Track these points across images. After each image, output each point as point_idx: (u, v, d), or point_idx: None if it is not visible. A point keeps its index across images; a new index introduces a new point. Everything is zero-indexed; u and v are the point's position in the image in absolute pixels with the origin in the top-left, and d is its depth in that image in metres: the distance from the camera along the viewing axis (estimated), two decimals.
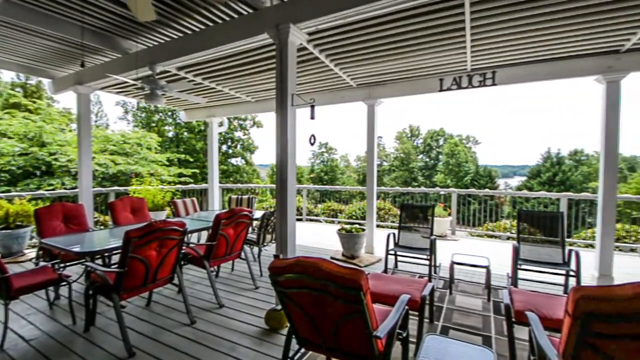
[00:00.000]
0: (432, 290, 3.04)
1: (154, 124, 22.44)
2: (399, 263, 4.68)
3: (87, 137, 5.32)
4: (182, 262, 3.64)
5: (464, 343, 1.94)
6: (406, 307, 2.03)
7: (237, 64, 4.46)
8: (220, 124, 7.51)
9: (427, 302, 2.95)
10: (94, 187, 5.76)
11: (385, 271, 4.28)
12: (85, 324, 2.86)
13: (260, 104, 6.60)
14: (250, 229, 4.69)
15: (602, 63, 3.86)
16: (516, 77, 4.31)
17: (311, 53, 3.98)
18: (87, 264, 2.82)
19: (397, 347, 2.27)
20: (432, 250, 4.03)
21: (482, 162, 34.70)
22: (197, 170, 18.88)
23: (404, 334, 2.06)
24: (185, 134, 21.98)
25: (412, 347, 2.44)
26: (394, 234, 4.54)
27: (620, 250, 5.71)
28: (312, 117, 2.82)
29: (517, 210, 4.29)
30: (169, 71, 4.71)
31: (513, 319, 2.31)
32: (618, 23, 3.12)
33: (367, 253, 5.37)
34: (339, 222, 8.19)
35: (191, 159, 19.09)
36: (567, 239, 4.27)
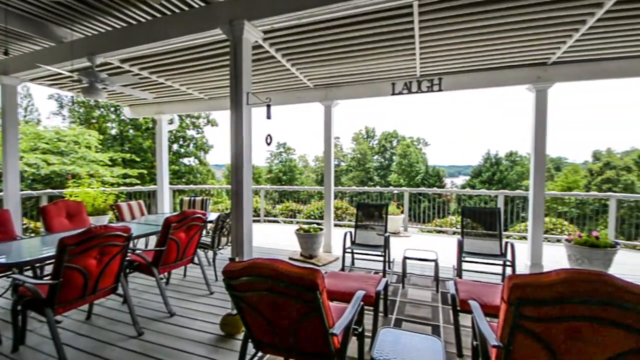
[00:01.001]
0: (386, 285, 3.16)
1: (94, 120, 20.50)
2: (355, 260, 4.80)
3: (14, 134, 4.71)
4: (128, 270, 3.38)
5: (415, 334, 2.05)
6: (361, 302, 2.09)
7: (189, 59, 4.25)
8: (170, 122, 7.10)
9: (382, 297, 3.06)
10: (22, 190, 5.11)
11: (343, 269, 4.37)
12: (13, 343, 2.53)
13: (214, 101, 6.36)
14: (204, 232, 4.50)
15: (532, 74, 4.31)
16: (460, 84, 4.66)
17: (267, 51, 3.93)
18: (15, 276, 2.49)
19: (353, 342, 2.33)
20: (386, 246, 4.20)
21: (432, 163, 36.84)
22: (144, 171, 17.65)
23: (360, 329, 2.12)
24: (131, 131, 20.40)
25: (367, 341, 2.51)
26: (350, 232, 4.65)
27: (548, 241, 6.44)
28: (269, 117, 2.78)
29: (461, 207, 4.64)
30: (110, 63, 4.34)
31: (458, 308, 2.49)
32: (545, 38, 3.52)
33: (325, 252, 5.44)
34: (297, 223, 8.19)
35: (138, 159, 17.79)
36: (504, 232, 4.71)
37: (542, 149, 4.39)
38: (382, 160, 39.08)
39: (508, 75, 4.44)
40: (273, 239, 6.54)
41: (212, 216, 4.60)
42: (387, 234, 4.36)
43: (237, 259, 2.92)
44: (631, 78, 4.11)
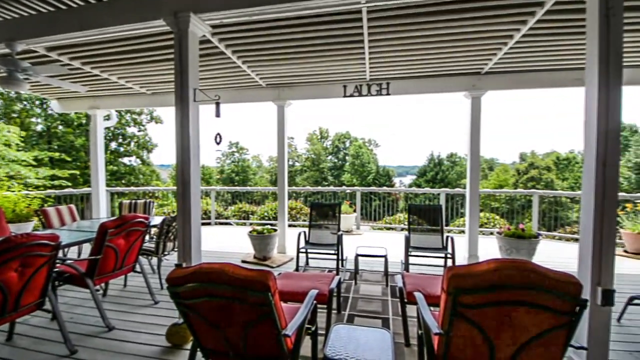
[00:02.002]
0: (339, 283, 3.23)
1: (15, 115, 17.92)
2: (310, 260, 4.83)
3: None
4: (57, 283, 3.02)
5: (366, 328, 2.13)
6: (315, 301, 2.11)
7: (128, 50, 3.93)
8: (107, 118, 6.49)
9: (335, 294, 3.13)
10: None
11: (297, 269, 4.37)
12: None
13: (158, 97, 5.95)
14: (147, 238, 4.20)
15: (468, 82, 4.72)
16: (406, 89, 4.94)
17: (216, 47, 3.78)
18: None
19: (307, 341, 2.35)
20: (339, 245, 4.29)
21: (382, 163, 38.49)
22: (76, 172, 15.90)
23: (313, 328, 2.14)
24: (60, 127, 18.22)
25: (321, 339, 2.54)
26: (305, 232, 4.67)
27: (483, 234, 7.09)
28: (218, 115, 2.68)
29: (408, 204, 4.92)
30: (35, 51, 3.84)
31: (405, 300, 2.64)
32: (480, 50, 3.87)
33: (279, 253, 5.39)
34: (250, 224, 8.00)
35: (69, 158, 15.94)
36: (445, 227, 5.08)
37: (476, 151, 4.83)
38: (336, 160, 39.84)
39: (448, 83, 4.81)
40: (225, 242, 6.32)
41: (157, 220, 4.31)
42: (340, 233, 4.46)
43: (184, 265, 2.77)
44: (550, 88, 4.70)
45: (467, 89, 4.73)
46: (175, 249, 4.20)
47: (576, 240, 5.96)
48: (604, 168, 2.11)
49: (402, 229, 7.60)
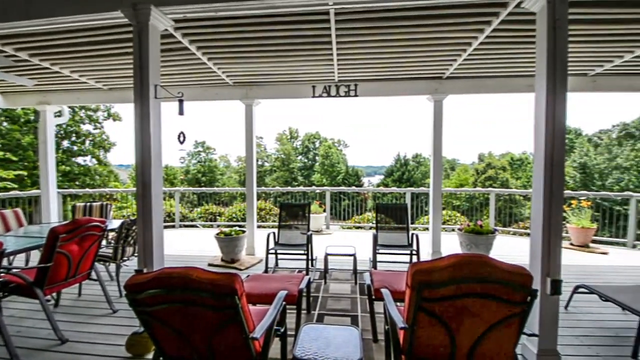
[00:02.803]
0: (309, 283, 3.24)
1: None
2: (279, 261, 4.79)
3: None
4: (1, 294, 2.75)
5: (335, 326, 2.14)
6: (284, 302, 2.10)
7: (83, 42, 3.65)
8: (59, 114, 6.00)
9: (305, 294, 3.13)
10: None
11: (266, 271, 4.32)
12: None
13: (116, 92, 5.60)
14: (104, 243, 3.94)
15: (431, 86, 4.92)
16: (373, 91, 5.05)
17: (180, 42, 3.63)
18: None
19: (276, 343, 2.32)
20: (308, 245, 4.30)
21: (351, 163, 39.07)
22: (24, 173, 14.57)
23: (282, 330, 2.12)
24: (5, 124, 16.57)
25: (291, 340, 2.53)
26: (274, 233, 4.63)
27: (445, 231, 7.43)
28: (181, 113, 2.57)
29: (376, 204, 5.05)
30: None
31: (373, 297, 2.69)
32: (441, 56, 4.05)
33: (248, 255, 5.29)
34: (218, 226, 7.78)
35: (14, 158, 14.56)
36: (411, 225, 5.26)
37: (439, 152, 5.05)
38: (306, 160, 39.86)
39: (412, 86, 4.99)
40: (191, 246, 6.09)
41: (115, 224, 4.06)
42: (309, 233, 4.47)
43: (145, 271, 2.63)
44: (506, 94, 5.03)
45: (430, 92, 4.94)
46: (136, 254, 3.98)
47: (528, 234, 6.44)
48: (552, 168, 2.30)
49: (371, 228, 7.76)
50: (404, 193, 7.95)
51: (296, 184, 36.27)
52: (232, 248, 4.79)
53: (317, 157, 39.11)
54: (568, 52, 2.30)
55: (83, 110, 19.45)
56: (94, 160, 20.18)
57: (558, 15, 2.25)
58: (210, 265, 4.77)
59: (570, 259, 5.10)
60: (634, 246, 5.85)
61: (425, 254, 5.08)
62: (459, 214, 8.17)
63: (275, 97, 5.33)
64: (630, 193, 6.06)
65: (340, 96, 4.97)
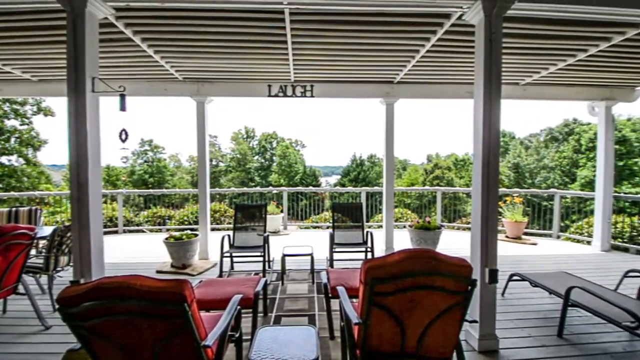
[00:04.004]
0: (266, 285, 3.19)
1: None
2: (235, 264, 4.65)
3: None
4: None
5: (291, 327, 2.13)
6: (238, 307, 2.04)
7: (6, 27, 3.22)
8: None
9: (261, 297, 3.07)
10: None
11: (221, 275, 4.17)
12: None
13: (47, 85, 5.01)
14: (34, 252, 3.51)
15: (383, 89, 5.13)
16: (329, 92, 5.13)
17: (122, 32, 3.35)
18: None
19: (231, 349, 2.25)
20: (265, 246, 4.23)
21: (309, 163, 39.21)
22: None
23: (237, 335, 2.06)
24: None
25: (247, 344, 2.47)
26: (229, 235, 4.48)
27: (398, 227, 7.79)
28: (123, 109, 2.38)
29: (332, 203, 5.13)
30: None
31: (330, 295, 2.73)
32: (392, 61, 4.24)
33: (201, 259, 5.06)
34: (167, 230, 7.32)
35: None
36: (366, 223, 5.43)
37: (391, 152, 5.29)
38: (263, 160, 39.21)
39: (366, 89, 5.15)
40: (137, 253, 5.65)
41: (47, 230, 3.64)
42: (266, 234, 4.40)
43: (81, 282, 2.39)
44: (451, 99, 5.41)
45: (382, 95, 5.14)
46: (71, 264, 3.60)
47: (470, 229, 7.00)
48: (488, 168, 2.52)
49: (328, 227, 7.86)
50: (360, 192, 8.18)
51: (253, 184, 35.51)
52: (183, 253, 4.54)
53: (274, 157, 38.66)
54: (502, 63, 2.55)
55: (7, 104, 17.11)
56: (21, 159, 17.84)
57: (494, 28, 2.47)
58: (158, 272, 4.48)
59: (505, 250, 5.63)
60: (558, 237, 6.64)
61: (380, 251, 5.27)
62: (410, 212, 8.61)
63: (229, 95, 5.16)
64: (555, 190, 6.87)
65: (297, 96, 4.97)
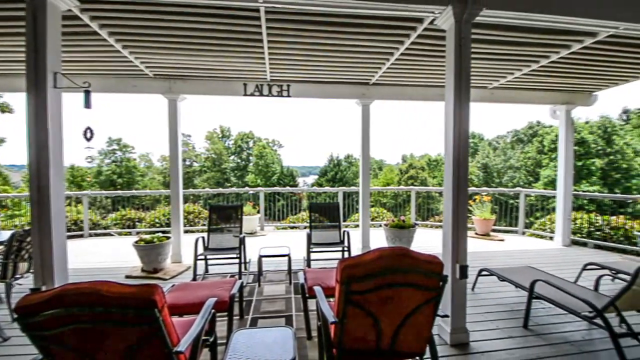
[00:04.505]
0: (242, 287, 3.14)
1: None
2: (210, 267, 4.54)
3: None
4: None
5: (268, 329, 2.11)
6: (213, 310, 1.99)
7: None
8: None
9: (237, 299, 3.02)
10: None
11: (194, 278, 4.06)
12: None
13: (5, 80, 4.65)
14: None
15: (359, 91, 5.20)
16: (306, 92, 5.12)
17: (87, 26, 3.18)
18: None
19: (205, 354, 2.20)
20: (241, 248, 4.16)
21: (286, 163, 39.00)
22: None
23: (212, 339, 2.01)
24: None
25: (222, 348, 2.42)
26: (203, 237, 4.37)
27: (374, 227, 7.91)
28: (88, 106, 2.26)
29: (309, 204, 5.13)
30: None
31: (307, 295, 2.73)
32: (368, 63, 4.30)
33: (174, 263, 4.90)
34: (137, 233, 7.03)
35: None
36: (343, 223, 5.48)
37: (367, 152, 5.37)
38: (239, 160, 38.55)
39: (343, 90, 5.20)
40: (104, 257, 5.38)
41: (4, 235, 3.39)
42: (242, 235, 4.33)
43: (43, 289, 2.25)
44: (424, 101, 5.56)
45: (358, 96, 5.21)
46: (32, 271, 3.37)
47: (442, 227, 7.25)
48: (459, 168, 2.61)
49: (305, 227, 7.85)
50: (337, 192, 8.23)
51: (229, 185, 34.82)
52: (154, 256, 4.38)
53: (251, 157, 38.11)
54: (471, 67, 2.65)
55: None
56: None
57: (463, 34, 2.57)
58: (128, 277, 4.29)
59: (475, 246, 5.88)
60: (524, 233, 7.01)
61: (356, 250, 5.33)
62: (386, 211, 8.78)
63: (203, 93, 5.03)
64: (520, 189, 7.25)
65: (273, 96, 4.93)
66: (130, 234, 7.29)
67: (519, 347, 2.63)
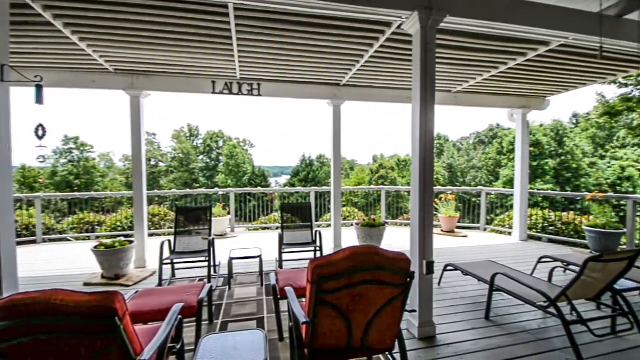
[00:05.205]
0: (211, 291, 3.06)
1: None
2: (177, 271, 4.38)
3: None
4: None
5: (238, 332, 2.07)
6: (179, 316, 1.92)
7: None
8: None
9: (206, 304, 2.94)
10: None
11: (160, 284, 3.89)
12: None
13: None
14: None
15: (330, 91, 5.24)
16: (277, 92, 5.08)
17: (40, 15, 2.95)
18: None
19: None
20: (210, 250, 4.04)
21: (257, 164, 38.45)
22: None
23: (179, 346, 1.94)
24: None
25: (191, 355, 2.34)
26: (170, 240, 4.20)
27: (346, 226, 8.01)
28: (40, 102, 2.09)
29: (281, 204, 5.10)
30: None
31: (279, 296, 2.71)
32: (338, 64, 4.35)
33: (138, 268, 4.66)
34: (97, 238, 6.62)
35: None
36: (315, 223, 5.50)
37: (338, 153, 5.43)
38: (209, 160, 37.46)
39: (314, 90, 5.22)
40: (60, 264, 5.00)
41: None
42: (211, 238, 4.21)
43: None
44: (393, 103, 5.71)
45: (329, 97, 5.25)
46: None
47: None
48: (425, 168, 2.72)
49: (277, 228, 7.79)
50: (309, 192, 8.24)
51: (197, 185, 33.73)
52: (115, 262, 4.14)
53: (221, 157, 37.16)
54: (437, 71, 2.77)
55: None
56: None
57: (429, 39, 2.67)
58: (86, 284, 4.03)
59: (440, 243, 6.13)
60: (485, 229, 7.42)
61: (329, 249, 5.37)
62: (357, 210, 8.92)
63: (168, 90, 4.83)
64: (482, 188, 7.66)
65: (243, 94, 4.84)
66: (89, 238, 6.84)
67: (481, 338, 2.78)
